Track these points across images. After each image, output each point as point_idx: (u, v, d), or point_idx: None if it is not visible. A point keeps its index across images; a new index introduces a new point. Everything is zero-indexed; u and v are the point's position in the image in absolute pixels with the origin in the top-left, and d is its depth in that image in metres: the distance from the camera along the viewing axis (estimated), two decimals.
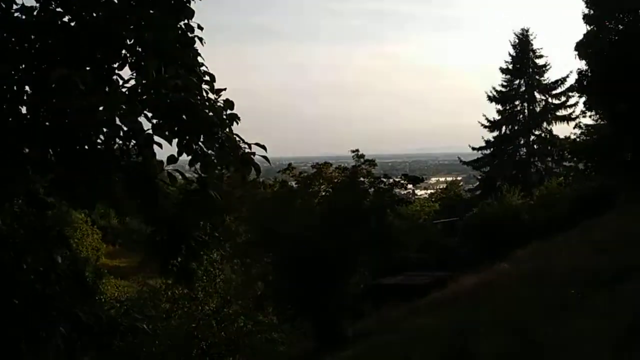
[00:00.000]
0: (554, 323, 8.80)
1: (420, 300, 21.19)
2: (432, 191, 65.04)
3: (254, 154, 4.13)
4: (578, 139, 33.33)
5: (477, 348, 9.01)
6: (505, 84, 50.14)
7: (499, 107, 50.20)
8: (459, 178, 71.27)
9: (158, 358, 17.53)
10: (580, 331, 8.27)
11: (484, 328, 9.78)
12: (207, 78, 4.36)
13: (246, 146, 4.10)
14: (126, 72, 4.12)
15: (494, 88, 50.37)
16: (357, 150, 22.16)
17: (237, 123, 4.13)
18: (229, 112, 4.08)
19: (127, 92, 3.77)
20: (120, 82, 3.97)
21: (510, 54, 49.83)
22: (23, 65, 3.74)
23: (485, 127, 50.21)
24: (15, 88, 3.71)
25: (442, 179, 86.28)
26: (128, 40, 4.10)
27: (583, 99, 29.09)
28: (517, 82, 49.95)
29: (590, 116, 30.73)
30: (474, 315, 12.56)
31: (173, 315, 19.16)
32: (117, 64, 4.11)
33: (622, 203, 24.34)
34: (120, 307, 5.82)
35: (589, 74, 26.49)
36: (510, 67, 49.85)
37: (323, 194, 22.51)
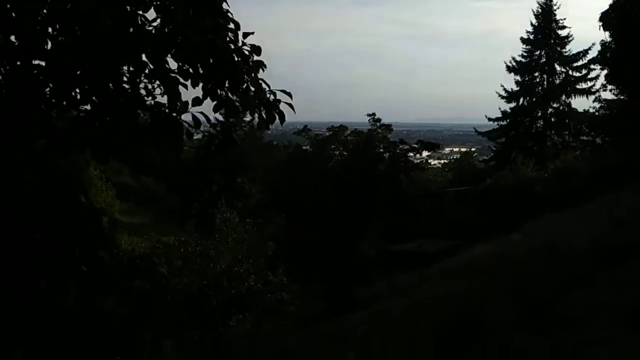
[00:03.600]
0: (568, 294, 8.77)
1: (431, 267, 21.23)
2: (446, 161, 64.82)
3: (279, 101, 4.06)
4: (597, 113, 32.85)
5: (488, 316, 9.00)
6: (525, 54, 49.31)
7: (518, 78, 49.47)
8: (473, 149, 70.79)
9: (170, 313, 17.75)
10: (593, 303, 8.24)
11: (495, 297, 9.76)
12: (231, 26, 4.25)
13: (271, 94, 4.04)
14: (151, 15, 4.03)
15: (513, 58, 49.58)
16: (374, 114, 22.01)
17: (264, 70, 4.06)
18: (255, 58, 4.00)
19: (153, 32, 3.71)
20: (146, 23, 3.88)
21: (532, 24, 48.82)
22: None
23: (503, 97, 49.57)
24: (39, 25, 3.64)
25: (457, 149, 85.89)
26: None
27: (604, 71, 28.53)
28: (537, 52, 49.10)
29: (610, 90, 30.23)
30: (486, 285, 12.57)
31: (185, 272, 19.32)
32: (141, 6, 4.01)
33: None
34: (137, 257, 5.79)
35: (613, 46, 25.95)
36: (531, 37, 48.93)
37: (338, 157, 22.48)
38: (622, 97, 30.00)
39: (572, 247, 12.26)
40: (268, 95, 4.05)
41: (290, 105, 4.08)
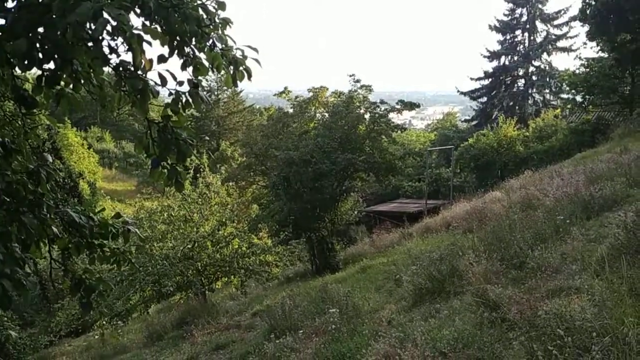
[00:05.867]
0: (542, 247, 8.96)
1: (412, 226, 21.53)
2: (429, 122, 65.02)
3: (246, 57, 4.06)
4: (577, 71, 32.99)
5: (464, 268, 9.19)
6: (507, 12, 49.30)
7: (500, 37, 49.60)
8: (455, 109, 71.07)
9: (154, 278, 17.84)
10: (566, 254, 8.44)
11: (472, 251, 9.94)
12: None
13: (238, 50, 4.03)
14: None
15: (495, 17, 49.67)
16: (354, 75, 21.88)
17: (230, 26, 4.04)
18: (221, 14, 3.98)
19: None
20: None
21: None
22: None
23: (485, 57, 49.71)
24: None
25: (439, 110, 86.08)
26: None
27: (585, 28, 28.50)
28: (519, 11, 49.07)
29: (591, 48, 30.31)
30: (464, 240, 12.78)
31: (169, 237, 19.36)
32: None
33: (617, 136, 24.38)
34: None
35: (594, 2, 25.86)
36: None
37: (319, 118, 22.40)
38: (601, 56, 30.10)
39: (549, 202, 12.48)
40: (234, 52, 4.04)
41: (256, 60, 4.08)
